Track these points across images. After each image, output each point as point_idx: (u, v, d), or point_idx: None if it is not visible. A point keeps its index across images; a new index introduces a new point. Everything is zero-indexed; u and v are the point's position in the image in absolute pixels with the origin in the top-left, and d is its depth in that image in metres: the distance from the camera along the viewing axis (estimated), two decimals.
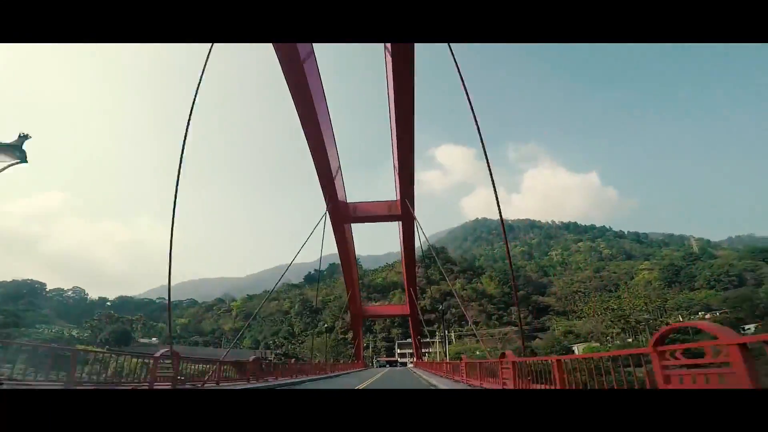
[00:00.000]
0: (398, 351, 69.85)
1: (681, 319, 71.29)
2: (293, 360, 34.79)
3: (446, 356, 42.34)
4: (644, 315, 65.06)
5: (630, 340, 47.32)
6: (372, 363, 61.75)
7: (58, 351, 9.54)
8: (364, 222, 28.11)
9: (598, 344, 46.24)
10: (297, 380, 19.34)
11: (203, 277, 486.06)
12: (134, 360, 11.69)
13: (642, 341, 44.81)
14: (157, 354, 11.10)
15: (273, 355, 41.82)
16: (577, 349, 45.55)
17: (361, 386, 16.45)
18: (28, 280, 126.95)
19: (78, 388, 7.60)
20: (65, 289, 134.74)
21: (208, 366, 14.86)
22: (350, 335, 71.87)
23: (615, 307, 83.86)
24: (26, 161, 6.19)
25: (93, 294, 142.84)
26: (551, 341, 48.98)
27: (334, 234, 29.56)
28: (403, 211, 24.81)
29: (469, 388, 11.92)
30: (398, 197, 25.71)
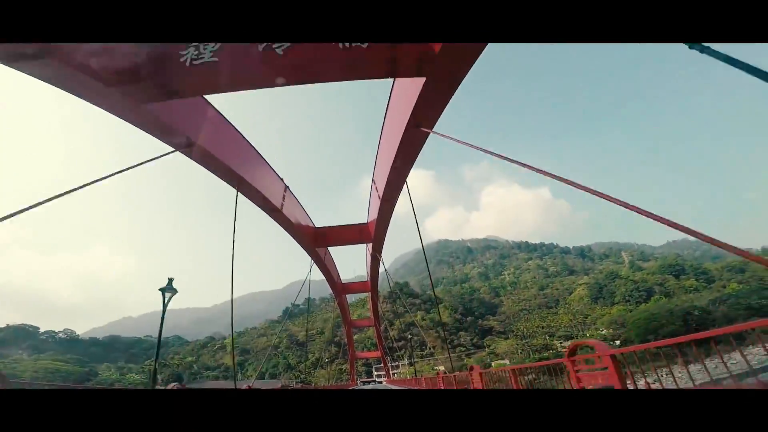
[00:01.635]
0: (375, 372, 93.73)
1: (588, 335, 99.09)
2: (310, 385, 57.58)
3: (408, 376, 66.60)
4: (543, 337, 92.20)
5: (527, 359, 73.47)
6: (357, 382, 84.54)
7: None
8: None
9: (507, 361, 72.40)
10: None
11: (169, 308, 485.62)
12: None
13: (534, 358, 70.08)
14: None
15: (294, 383, 63.23)
16: (493, 365, 71.42)
17: None
18: (21, 324, 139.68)
19: (78, 387, 7.56)
20: (56, 330, 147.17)
21: None
22: (336, 363, 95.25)
23: (544, 325, 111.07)
24: None
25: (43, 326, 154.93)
26: (478, 360, 74.67)
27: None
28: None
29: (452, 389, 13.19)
30: None
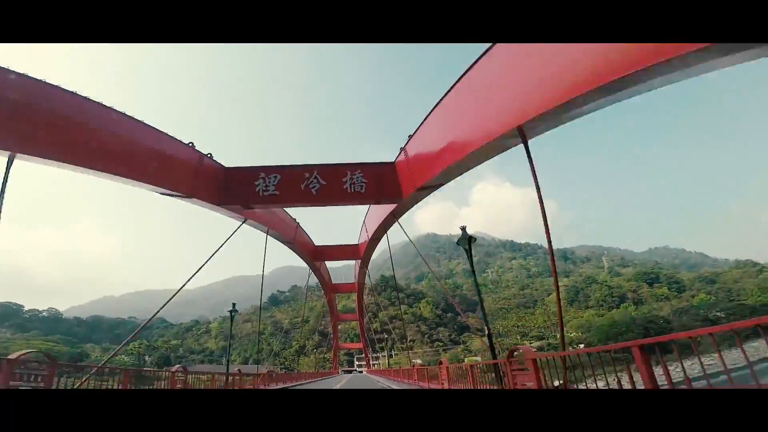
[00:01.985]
0: (356, 362, 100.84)
1: (557, 337, 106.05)
2: (295, 371, 63.29)
3: (387, 366, 73.06)
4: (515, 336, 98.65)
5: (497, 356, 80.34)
6: (339, 371, 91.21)
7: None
8: None
9: (479, 357, 79.28)
10: (312, 381, 36.81)
11: (148, 288, 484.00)
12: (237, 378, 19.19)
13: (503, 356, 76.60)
14: (264, 371, 24.81)
15: (279, 369, 69.07)
16: (466, 360, 78.21)
17: (344, 380, 35.22)
18: (5, 302, 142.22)
19: (79, 388, 8.25)
20: (40, 309, 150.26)
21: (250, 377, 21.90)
22: (319, 351, 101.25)
23: (519, 324, 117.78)
24: None
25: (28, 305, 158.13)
26: (453, 355, 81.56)
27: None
28: None
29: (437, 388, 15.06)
30: None
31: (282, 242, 21.48)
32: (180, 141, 11.29)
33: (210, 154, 12.36)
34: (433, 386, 15.53)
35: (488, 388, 9.65)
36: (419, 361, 76.74)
